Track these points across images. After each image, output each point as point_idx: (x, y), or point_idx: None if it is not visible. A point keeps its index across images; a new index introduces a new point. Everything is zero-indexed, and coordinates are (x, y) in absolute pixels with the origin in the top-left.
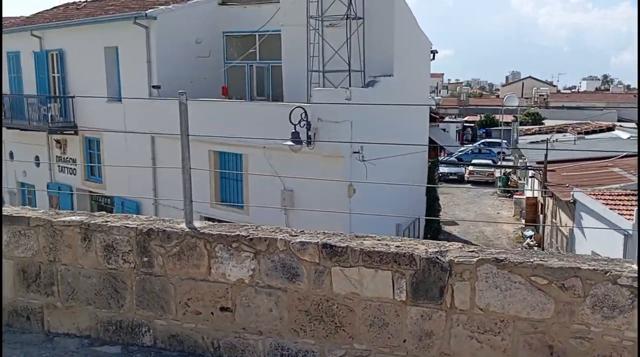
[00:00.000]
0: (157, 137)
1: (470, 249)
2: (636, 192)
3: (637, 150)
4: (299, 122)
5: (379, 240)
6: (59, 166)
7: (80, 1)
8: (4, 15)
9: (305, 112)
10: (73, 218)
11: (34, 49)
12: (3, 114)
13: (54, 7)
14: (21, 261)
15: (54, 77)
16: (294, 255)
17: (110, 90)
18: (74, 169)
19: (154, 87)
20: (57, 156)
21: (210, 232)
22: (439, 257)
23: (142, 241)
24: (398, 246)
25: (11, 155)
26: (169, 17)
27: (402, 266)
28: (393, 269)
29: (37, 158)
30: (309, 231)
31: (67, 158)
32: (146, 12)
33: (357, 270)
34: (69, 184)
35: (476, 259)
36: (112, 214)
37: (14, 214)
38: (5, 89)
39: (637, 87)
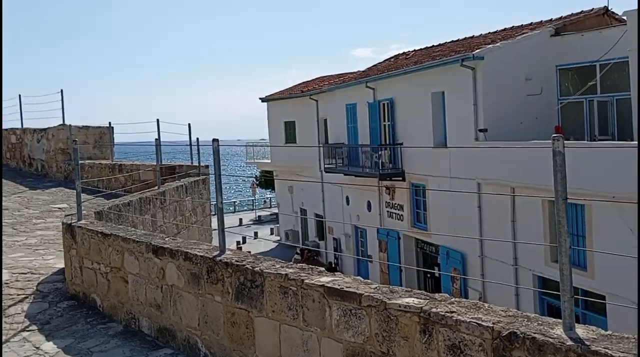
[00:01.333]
0: (484, 183)
1: None
2: None
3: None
4: None
5: None
6: (387, 212)
7: (409, 51)
8: (348, 70)
9: None
10: (410, 302)
11: (368, 99)
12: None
13: (386, 60)
14: (350, 347)
15: (384, 125)
16: None
17: (436, 136)
18: (401, 215)
19: (480, 130)
20: (386, 202)
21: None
22: None
23: (500, 349)
24: None
25: (347, 200)
26: (496, 56)
27: None
28: None
29: (369, 203)
30: None
31: (395, 204)
32: (473, 53)
33: None
34: (397, 229)
35: None
36: (457, 300)
37: (345, 288)
38: (343, 139)
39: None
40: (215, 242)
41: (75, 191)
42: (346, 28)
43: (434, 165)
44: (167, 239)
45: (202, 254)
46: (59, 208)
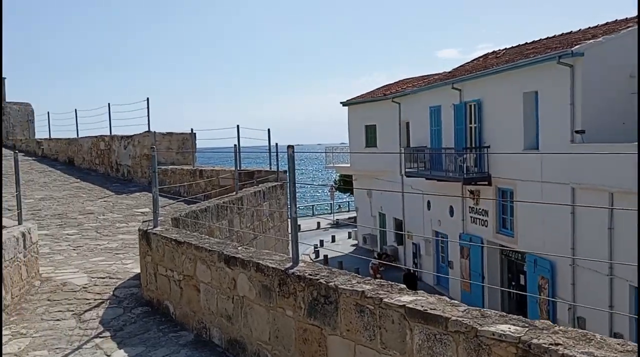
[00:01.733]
0: (579, 188)
1: None
2: None
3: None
4: None
5: None
6: (471, 217)
7: (499, 50)
8: (432, 72)
9: None
10: (506, 329)
11: (454, 101)
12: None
13: (474, 60)
14: None
15: (470, 127)
16: None
17: (527, 138)
18: (486, 220)
19: (576, 132)
20: (469, 207)
21: None
22: None
23: None
24: None
25: (428, 204)
26: (597, 52)
27: None
28: None
29: (451, 208)
30: None
31: (479, 209)
32: (572, 49)
33: None
34: (480, 235)
35: None
36: (562, 330)
37: (429, 310)
38: (426, 142)
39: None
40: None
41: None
42: (431, 28)
43: (524, 168)
44: (239, 248)
45: (274, 266)
46: (141, 212)
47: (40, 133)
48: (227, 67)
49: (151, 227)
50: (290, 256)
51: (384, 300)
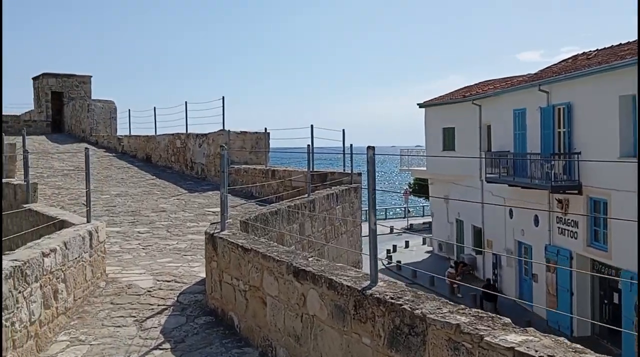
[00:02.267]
0: None
1: None
2: None
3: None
4: None
5: None
6: (558, 228)
7: (589, 51)
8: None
9: None
10: None
11: (540, 104)
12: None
13: (561, 61)
14: None
15: (559, 132)
16: None
17: (624, 144)
18: (575, 232)
19: None
20: (557, 217)
21: None
22: None
23: None
24: None
25: (511, 212)
26: None
27: None
28: None
29: (536, 218)
30: None
31: (568, 220)
32: None
33: None
34: (569, 248)
35: None
36: None
37: None
38: (509, 146)
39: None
40: (366, 259)
41: (229, 196)
42: (511, 31)
43: (620, 177)
44: (310, 259)
45: (349, 284)
46: (212, 212)
47: (122, 130)
48: (300, 68)
49: (218, 230)
50: (368, 272)
51: (485, 339)
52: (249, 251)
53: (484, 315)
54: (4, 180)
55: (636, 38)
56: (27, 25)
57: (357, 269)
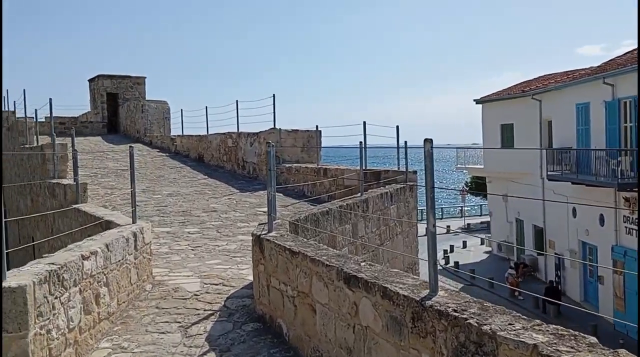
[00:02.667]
0: None
1: None
2: None
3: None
4: None
5: None
6: (626, 228)
7: None
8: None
9: None
10: None
11: (605, 98)
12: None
13: (627, 53)
14: None
15: (625, 127)
16: None
17: None
18: None
19: None
20: (624, 216)
21: None
22: None
23: None
24: None
25: (574, 211)
26: None
27: None
28: None
29: (601, 217)
30: None
31: (636, 219)
32: None
33: None
34: (637, 249)
35: None
36: None
37: None
38: (571, 142)
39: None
40: (423, 263)
41: (280, 196)
42: (569, 24)
43: None
44: (362, 264)
45: (405, 293)
46: (263, 212)
47: (175, 130)
48: (351, 67)
49: (265, 231)
50: (426, 279)
51: None
52: (296, 254)
53: (565, 333)
54: (54, 180)
55: None
56: (85, 26)
57: (415, 276)
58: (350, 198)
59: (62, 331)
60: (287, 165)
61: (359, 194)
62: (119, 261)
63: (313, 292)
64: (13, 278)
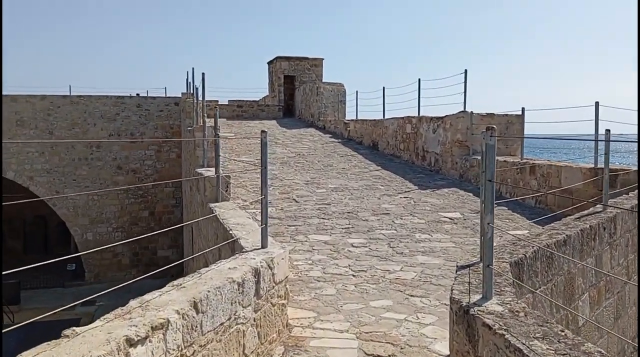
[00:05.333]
0: None
1: None
2: None
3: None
4: None
5: None
6: None
7: None
8: None
9: None
10: None
11: None
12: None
13: None
14: None
15: None
16: None
17: None
18: None
19: None
20: None
21: None
22: None
23: None
24: None
25: None
26: None
27: None
28: None
29: None
30: None
31: None
32: None
33: None
34: None
35: None
36: None
37: None
38: None
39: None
40: None
41: (469, 194)
42: None
43: None
44: None
45: None
46: (449, 218)
47: (349, 114)
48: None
49: (476, 296)
50: None
51: None
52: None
53: None
54: (200, 170)
55: None
56: (271, 10)
57: None
58: (590, 214)
59: None
60: (477, 157)
61: (597, 205)
62: (222, 324)
63: None
64: None
